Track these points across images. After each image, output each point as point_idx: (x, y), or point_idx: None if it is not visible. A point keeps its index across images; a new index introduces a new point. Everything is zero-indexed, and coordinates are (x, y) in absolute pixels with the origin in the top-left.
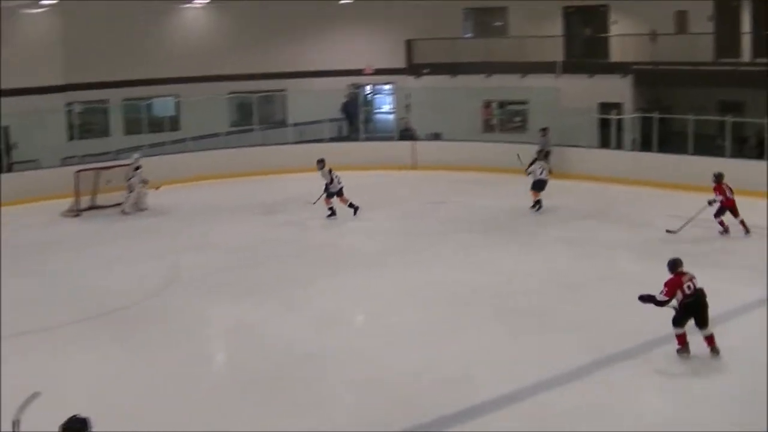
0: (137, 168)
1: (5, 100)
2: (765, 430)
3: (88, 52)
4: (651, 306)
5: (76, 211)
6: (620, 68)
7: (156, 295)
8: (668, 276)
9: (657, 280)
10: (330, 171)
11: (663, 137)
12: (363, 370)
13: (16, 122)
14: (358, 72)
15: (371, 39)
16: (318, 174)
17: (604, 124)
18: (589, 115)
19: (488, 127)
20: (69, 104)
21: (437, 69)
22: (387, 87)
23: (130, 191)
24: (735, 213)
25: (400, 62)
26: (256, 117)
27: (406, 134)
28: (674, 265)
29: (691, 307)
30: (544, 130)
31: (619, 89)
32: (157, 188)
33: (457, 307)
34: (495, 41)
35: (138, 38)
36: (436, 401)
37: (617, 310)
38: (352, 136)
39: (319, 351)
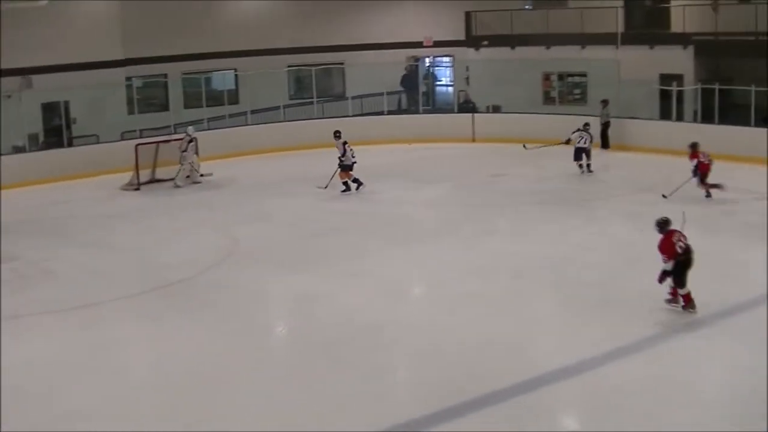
0: (190, 141)
1: (65, 75)
2: None
3: (147, 27)
4: (710, 280)
5: (135, 185)
6: (681, 39)
7: (215, 268)
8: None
9: (716, 253)
10: (345, 143)
11: (724, 109)
12: (424, 340)
13: (76, 97)
14: (417, 44)
15: (430, 11)
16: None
17: (665, 95)
18: (650, 86)
19: (548, 100)
20: (128, 79)
21: (496, 41)
22: (446, 59)
23: (182, 164)
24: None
25: (459, 34)
26: (315, 90)
27: (466, 107)
28: (664, 224)
29: (686, 264)
30: (605, 101)
31: (680, 60)
32: None
33: (518, 278)
34: (555, 13)
35: (197, 12)
36: (496, 372)
37: None
38: (411, 108)
39: (379, 321)
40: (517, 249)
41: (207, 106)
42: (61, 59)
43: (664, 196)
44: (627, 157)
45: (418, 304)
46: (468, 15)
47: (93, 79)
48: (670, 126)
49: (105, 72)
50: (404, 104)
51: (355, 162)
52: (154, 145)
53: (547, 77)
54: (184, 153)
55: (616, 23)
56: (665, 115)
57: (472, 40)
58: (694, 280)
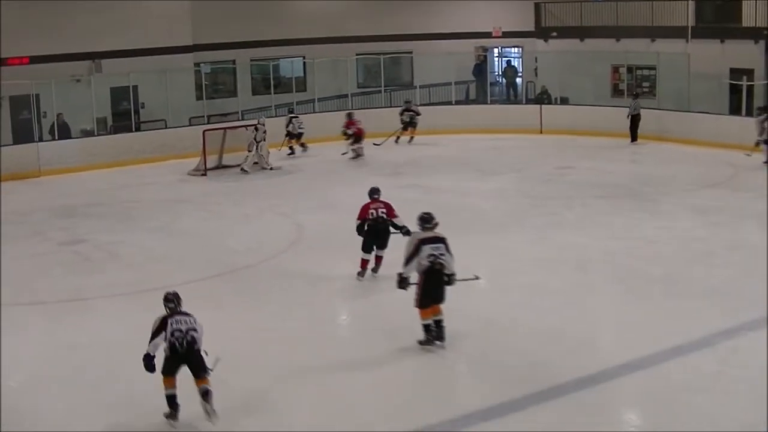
0: (257, 128)
1: (134, 60)
2: None
3: (216, 13)
4: None
5: (203, 170)
6: (752, 33)
7: (280, 255)
8: None
9: None
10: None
11: None
12: (488, 330)
13: (145, 82)
14: (486, 35)
15: (500, 1)
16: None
17: (735, 90)
18: (720, 81)
19: (617, 92)
20: (197, 64)
21: (566, 32)
22: (515, 50)
23: (250, 150)
24: None
25: (528, 25)
26: (383, 78)
27: (540, 98)
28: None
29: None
30: (636, 95)
31: (750, 55)
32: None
33: (583, 271)
34: (625, 5)
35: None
36: (559, 365)
37: (746, 281)
38: (479, 98)
39: (444, 310)
40: (583, 242)
41: (275, 92)
42: (130, 44)
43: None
44: (694, 152)
45: (483, 294)
46: (537, 6)
47: (162, 64)
48: (740, 121)
49: (174, 57)
50: (472, 94)
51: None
52: (221, 131)
53: (615, 70)
54: (260, 143)
55: (687, 16)
56: (735, 110)
57: (542, 31)
58: (759, 276)
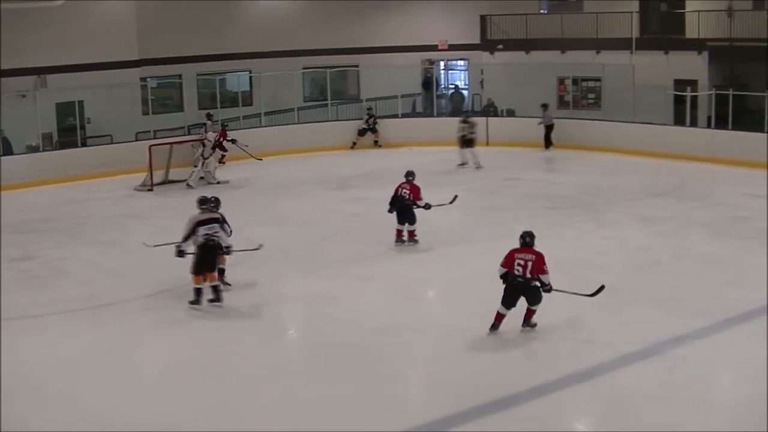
0: (203, 143)
1: (80, 75)
2: None
3: (162, 27)
4: (724, 285)
5: (150, 186)
6: (696, 45)
7: (229, 269)
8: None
9: (732, 259)
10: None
11: (738, 115)
12: (439, 343)
13: (91, 97)
14: (432, 48)
15: (446, 14)
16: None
17: (679, 101)
18: (664, 92)
19: (563, 104)
20: (143, 79)
21: (512, 45)
22: (461, 63)
23: (196, 166)
24: None
25: (474, 38)
26: (329, 92)
27: (487, 110)
28: None
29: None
30: (545, 105)
31: (694, 66)
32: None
33: None
34: (570, 17)
35: (212, 13)
36: (510, 375)
37: (692, 289)
38: (426, 111)
39: (394, 324)
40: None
41: (221, 107)
42: (76, 59)
43: None
44: (640, 162)
45: (432, 307)
46: (483, 18)
47: (108, 79)
48: (685, 131)
49: (120, 72)
50: (419, 107)
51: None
52: (168, 146)
53: (561, 82)
54: (207, 159)
55: (631, 28)
56: (680, 120)
57: (488, 44)
58: (706, 284)
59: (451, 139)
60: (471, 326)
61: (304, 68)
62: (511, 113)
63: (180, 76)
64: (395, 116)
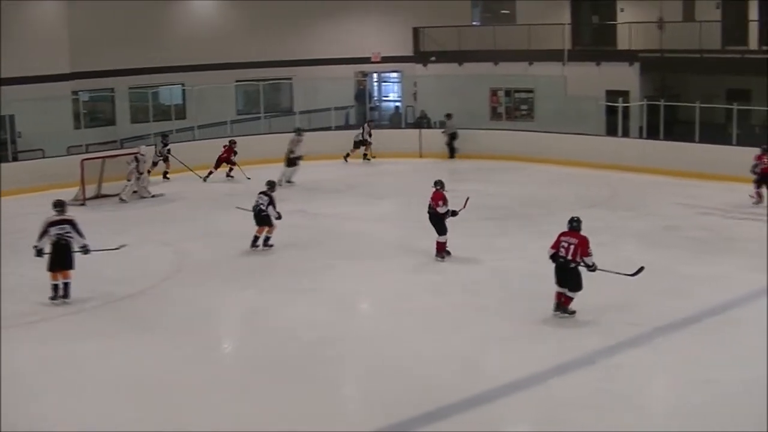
0: (136, 157)
1: (10, 88)
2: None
3: (94, 40)
4: (658, 294)
5: (82, 200)
6: (627, 56)
7: (163, 283)
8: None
9: (665, 268)
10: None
11: (670, 125)
12: (375, 355)
13: (22, 111)
14: (365, 60)
15: (379, 27)
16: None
17: (611, 111)
18: (596, 102)
19: (495, 115)
20: (75, 93)
21: (445, 56)
22: (394, 75)
23: (129, 180)
24: None
25: (407, 50)
26: (263, 105)
27: (419, 122)
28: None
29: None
30: (449, 115)
31: (626, 77)
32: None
33: (469, 293)
34: (502, 29)
35: (144, 26)
36: (447, 387)
37: (627, 298)
38: (360, 123)
39: (330, 337)
40: (469, 264)
41: (154, 120)
42: (6, 72)
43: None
44: (573, 173)
45: (369, 319)
46: (416, 30)
47: (39, 92)
48: (617, 142)
49: (51, 86)
50: (352, 119)
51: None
52: (100, 160)
53: (494, 93)
54: (141, 174)
55: (563, 40)
56: (612, 131)
57: (421, 56)
58: (640, 293)
59: (385, 150)
60: (408, 338)
61: (237, 81)
62: (444, 125)
63: (112, 90)
64: (328, 128)
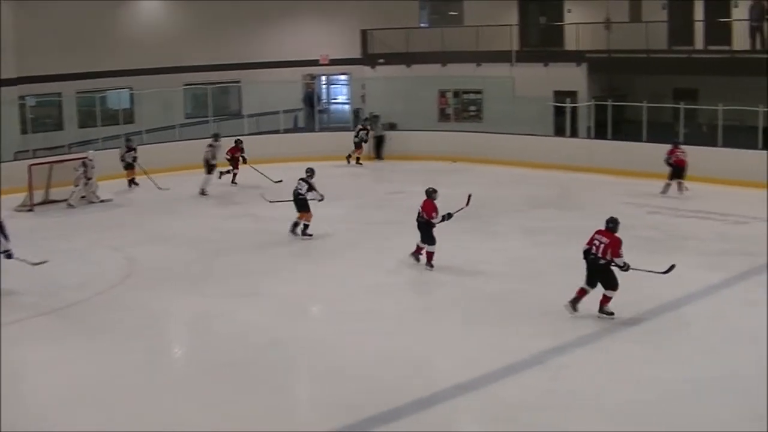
0: (84, 162)
1: None
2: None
3: (41, 45)
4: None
5: (29, 206)
6: (575, 57)
7: (114, 288)
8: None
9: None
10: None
11: (617, 125)
12: (324, 357)
13: None
14: (313, 63)
15: (327, 29)
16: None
17: (559, 112)
18: (544, 103)
19: (444, 117)
20: (22, 97)
21: (393, 59)
22: (342, 77)
23: (77, 185)
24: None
25: (355, 52)
26: (211, 109)
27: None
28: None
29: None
30: (375, 117)
31: (574, 77)
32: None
33: (418, 295)
34: (450, 31)
35: (92, 30)
36: (396, 389)
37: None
38: (308, 126)
39: (279, 340)
40: (417, 265)
41: (102, 125)
42: None
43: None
44: (522, 173)
45: (318, 322)
46: (364, 33)
47: None
48: (565, 142)
49: None
50: (300, 122)
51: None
52: (48, 165)
53: (442, 94)
54: (89, 180)
55: (511, 41)
56: (560, 131)
57: (369, 58)
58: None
59: (333, 153)
60: (356, 340)
61: (185, 85)
62: (392, 127)
63: (60, 94)
64: (277, 132)
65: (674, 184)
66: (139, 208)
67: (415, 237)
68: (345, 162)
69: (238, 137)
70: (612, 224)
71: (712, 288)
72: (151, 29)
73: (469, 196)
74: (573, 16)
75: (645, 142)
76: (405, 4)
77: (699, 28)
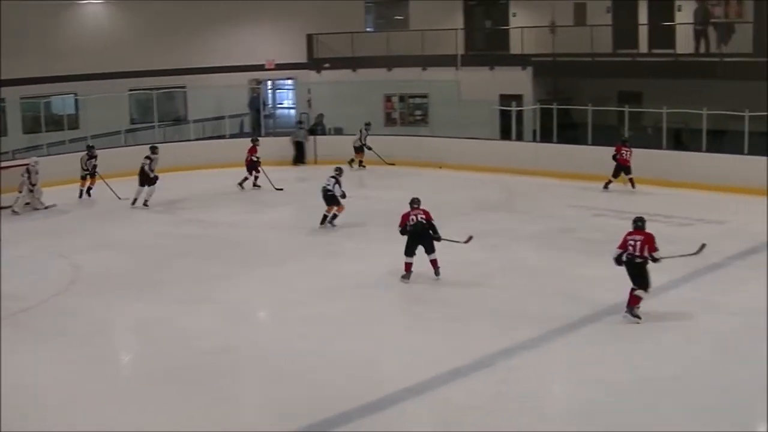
0: (28, 169)
1: None
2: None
3: None
4: (554, 296)
5: None
6: (520, 60)
7: (58, 296)
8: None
9: (559, 270)
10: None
11: (563, 128)
12: (270, 363)
13: None
14: (259, 67)
15: (272, 34)
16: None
17: (505, 115)
18: (490, 107)
19: (390, 121)
20: None
21: (338, 63)
22: (288, 82)
23: (20, 191)
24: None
25: (301, 57)
26: (156, 114)
27: (314, 129)
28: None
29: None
30: (300, 123)
31: (519, 81)
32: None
33: (364, 299)
34: (396, 35)
35: (35, 34)
36: (343, 393)
37: (522, 301)
38: (254, 131)
39: (225, 346)
40: (363, 270)
41: (46, 131)
42: None
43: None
44: (469, 177)
45: (263, 327)
46: (310, 37)
47: None
48: (511, 145)
49: None
50: (246, 127)
51: None
52: None
53: (388, 99)
54: (34, 186)
55: (456, 45)
56: (505, 134)
57: (314, 62)
58: (536, 295)
59: (276, 158)
60: (303, 345)
61: (130, 90)
62: (338, 131)
63: (3, 100)
64: (223, 137)
65: (619, 181)
66: (83, 214)
67: (365, 240)
68: (348, 166)
69: (255, 136)
70: (641, 222)
71: (658, 290)
72: (97, 34)
73: (470, 237)
74: (518, 20)
75: (590, 145)
76: (350, 8)
77: (643, 32)
